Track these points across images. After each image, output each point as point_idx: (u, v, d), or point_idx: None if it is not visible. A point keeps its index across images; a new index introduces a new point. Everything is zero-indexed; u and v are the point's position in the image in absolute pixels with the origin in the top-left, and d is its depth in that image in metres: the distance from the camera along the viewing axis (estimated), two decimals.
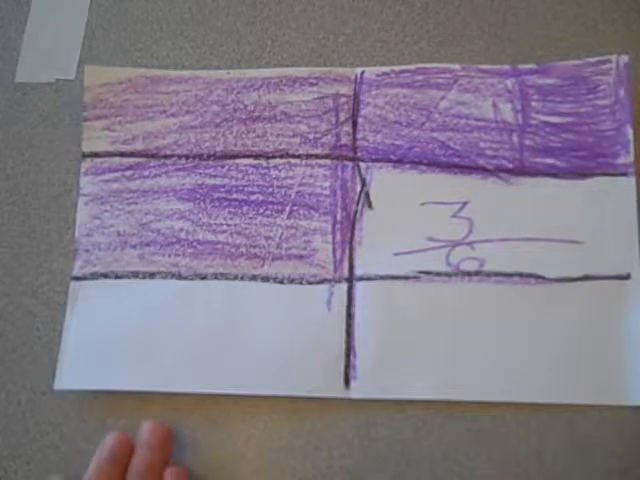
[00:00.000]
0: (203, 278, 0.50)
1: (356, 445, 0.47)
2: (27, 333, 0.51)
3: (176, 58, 0.56)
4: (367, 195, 0.51)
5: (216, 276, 0.50)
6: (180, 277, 0.51)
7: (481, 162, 0.51)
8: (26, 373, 0.50)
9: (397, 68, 0.54)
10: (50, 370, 0.49)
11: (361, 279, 0.50)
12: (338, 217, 0.51)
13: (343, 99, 0.53)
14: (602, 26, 0.55)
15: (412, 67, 0.54)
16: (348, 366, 0.48)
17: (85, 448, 0.49)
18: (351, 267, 0.50)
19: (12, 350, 0.51)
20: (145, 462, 0.45)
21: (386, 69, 0.54)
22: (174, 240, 0.51)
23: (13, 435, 0.49)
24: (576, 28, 0.55)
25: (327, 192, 0.51)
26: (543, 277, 0.49)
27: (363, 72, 0.54)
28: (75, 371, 0.49)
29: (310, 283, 0.50)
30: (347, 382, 0.48)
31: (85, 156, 0.53)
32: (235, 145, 0.53)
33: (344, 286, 0.50)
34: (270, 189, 0.52)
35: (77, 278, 0.51)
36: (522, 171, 0.51)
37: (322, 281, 0.50)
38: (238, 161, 0.53)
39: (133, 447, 0.46)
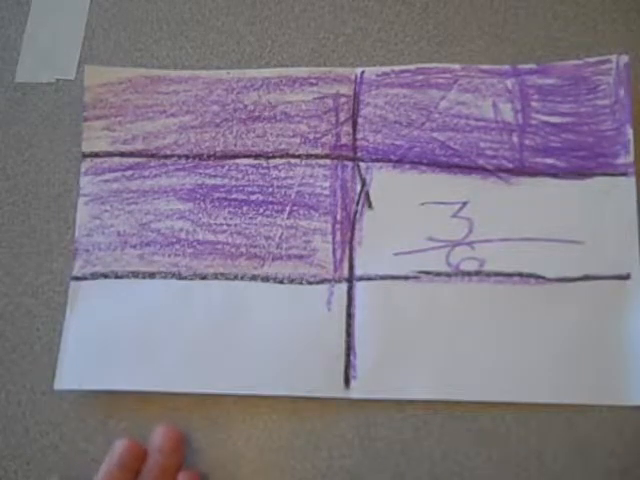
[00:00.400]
0: (203, 278, 0.50)
1: (356, 445, 0.47)
2: (27, 333, 0.51)
3: (176, 58, 0.56)
4: (367, 195, 0.51)
5: (216, 276, 0.50)
6: (180, 277, 0.51)
7: (481, 162, 0.51)
8: (26, 373, 0.50)
9: (397, 68, 0.54)
10: (50, 370, 0.49)
11: (361, 279, 0.50)
12: (338, 217, 0.51)
13: (343, 99, 0.53)
14: (602, 26, 0.55)
15: (412, 67, 0.54)
16: (348, 366, 0.48)
17: (85, 448, 0.49)
18: (351, 267, 0.50)
19: (12, 350, 0.51)
20: (158, 467, 0.45)
21: (386, 69, 0.54)
22: (174, 240, 0.51)
23: (13, 435, 0.49)
24: (576, 28, 0.55)
25: (327, 192, 0.51)
26: (543, 277, 0.49)
27: (363, 72, 0.54)
28: (75, 371, 0.49)
29: (310, 283, 0.50)
30: (347, 382, 0.48)
31: (85, 156, 0.53)
32: (235, 145, 0.53)
33: (344, 286, 0.50)
34: (270, 189, 0.52)
35: (77, 278, 0.51)
36: (522, 171, 0.51)
37: (322, 281, 0.50)
38: (238, 161, 0.53)
39: (143, 453, 0.46)
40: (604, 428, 0.47)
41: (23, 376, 0.50)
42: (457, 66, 0.54)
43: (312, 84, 0.54)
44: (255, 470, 0.48)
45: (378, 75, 0.54)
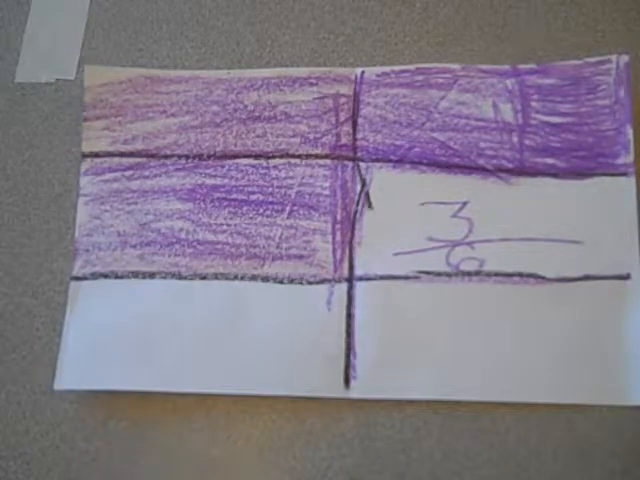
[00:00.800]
0: (203, 278, 0.50)
1: (356, 445, 0.47)
2: (27, 333, 0.51)
3: (176, 58, 0.56)
4: (367, 195, 0.51)
5: (216, 276, 0.50)
6: (180, 277, 0.50)
7: (481, 162, 0.51)
8: (26, 373, 0.50)
9: (397, 68, 0.54)
10: (50, 370, 0.49)
11: (361, 279, 0.50)
12: (338, 217, 0.51)
13: (343, 99, 0.53)
14: (602, 26, 0.55)
15: (412, 67, 0.54)
16: (348, 366, 0.48)
17: (85, 448, 0.49)
18: (351, 267, 0.50)
19: (12, 350, 0.51)
20: None
21: (386, 69, 0.54)
22: (174, 240, 0.51)
23: (13, 435, 0.49)
24: (576, 28, 0.55)
25: (327, 192, 0.51)
26: (543, 277, 0.49)
27: (363, 72, 0.54)
28: (75, 371, 0.49)
29: (310, 283, 0.50)
30: (347, 382, 0.48)
31: (85, 156, 0.53)
32: (235, 145, 0.53)
33: (344, 286, 0.50)
34: (270, 189, 0.52)
35: (77, 278, 0.51)
36: (522, 171, 0.51)
37: (322, 281, 0.50)
38: (238, 161, 0.52)
39: None
40: (604, 428, 0.47)
41: (23, 376, 0.50)
42: (457, 66, 0.53)
43: (312, 84, 0.54)
44: (255, 470, 0.48)
45: (378, 75, 0.54)
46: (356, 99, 0.53)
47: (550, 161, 0.51)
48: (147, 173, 0.53)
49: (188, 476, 0.48)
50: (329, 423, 0.48)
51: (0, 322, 0.51)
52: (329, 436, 0.48)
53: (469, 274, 0.49)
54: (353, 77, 0.54)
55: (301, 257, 0.50)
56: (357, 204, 0.51)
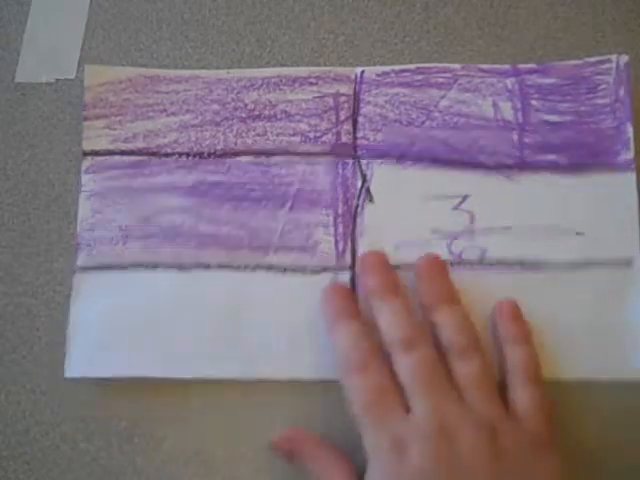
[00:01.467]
0: (206, 268, 0.50)
1: (358, 445, 0.47)
2: (27, 333, 0.51)
3: (176, 58, 0.56)
4: (368, 190, 0.51)
5: (219, 266, 0.50)
6: (183, 268, 0.50)
7: (481, 160, 0.51)
8: (26, 373, 0.50)
9: (397, 68, 0.54)
10: (50, 370, 0.49)
11: None
12: (339, 211, 0.51)
13: (343, 98, 0.53)
14: (602, 26, 0.55)
15: (412, 67, 0.54)
16: None
17: (85, 448, 0.48)
18: (354, 257, 0.50)
19: (12, 350, 0.51)
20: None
21: (386, 69, 0.54)
22: (176, 233, 0.51)
23: (13, 435, 0.49)
24: (576, 28, 0.55)
25: (328, 188, 0.51)
26: (545, 266, 0.49)
27: (363, 72, 0.54)
28: (85, 359, 0.48)
29: (313, 273, 0.50)
30: None
31: (86, 154, 0.53)
32: (235, 143, 0.53)
33: (347, 275, 0.50)
34: (271, 186, 0.52)
35: (80, 270, 0.51)
36: (522, 169, 0.51)
37: (325, 269, 0.50)
38: (239, 159, 0.52)
39: None
40: (604, 428, 0.47)
41: (23, 376, 0.50)
42: (457, 66, 0.54)
43: (312, 83, 0.54)
44: (255, 470, 0.48)
45: (378, 75, 0.54)
46: (356, 98, 0.53)
47: (550, 159, 0.51)
48: (148, 171, 0.52)
49: (188, 476, 0.48)
50: (330, 423, 0.48)
51: (0, 322, 0.51)
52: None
53: (471, 263, 0.49)
54: (353, 76, 0.54)
55: (303, 248, 0.50)
56: (358, 199, 0.51)
